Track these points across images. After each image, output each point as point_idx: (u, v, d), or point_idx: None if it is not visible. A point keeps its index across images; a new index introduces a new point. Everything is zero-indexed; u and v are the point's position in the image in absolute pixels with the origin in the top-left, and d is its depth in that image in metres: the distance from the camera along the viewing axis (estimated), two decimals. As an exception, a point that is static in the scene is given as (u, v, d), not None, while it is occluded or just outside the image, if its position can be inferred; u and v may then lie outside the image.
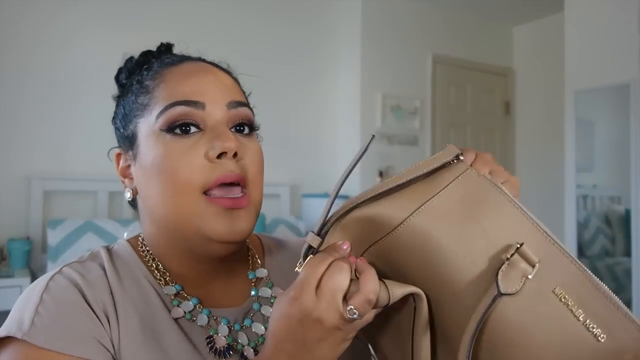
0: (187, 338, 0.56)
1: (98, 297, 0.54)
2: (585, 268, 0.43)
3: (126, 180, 0.63)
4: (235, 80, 0.65)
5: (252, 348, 0.58)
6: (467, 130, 3.95)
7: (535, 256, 0.43)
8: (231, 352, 0.57)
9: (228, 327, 0.59)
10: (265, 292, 0.64)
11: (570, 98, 3.03)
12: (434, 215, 0.47)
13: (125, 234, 0.68)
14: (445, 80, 3.82)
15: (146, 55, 0.67)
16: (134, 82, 0.62)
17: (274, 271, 0.68)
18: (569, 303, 0.42)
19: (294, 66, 3.35)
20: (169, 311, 0.57)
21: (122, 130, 0.63)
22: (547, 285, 0.43)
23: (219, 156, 0.55)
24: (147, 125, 0.58)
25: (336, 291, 0.44)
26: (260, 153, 0.61)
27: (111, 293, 0.56)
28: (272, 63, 3.20)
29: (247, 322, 0.60)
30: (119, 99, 0.65)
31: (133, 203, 0.65)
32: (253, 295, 0.63)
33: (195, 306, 0.59)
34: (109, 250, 0.62)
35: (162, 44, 0.68)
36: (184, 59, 0.63)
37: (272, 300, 0.63)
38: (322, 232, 0.49)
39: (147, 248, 0.63)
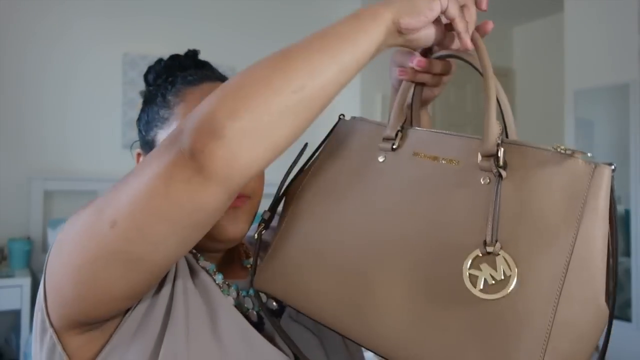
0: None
1: None
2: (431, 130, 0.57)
3: None
4: None
5: (256, 312, 0.65)
6: (467, 130, 3.96)
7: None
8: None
9: (238, 293, 0.66)
10: None
11: (570, 98, 3.03)
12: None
13: None
14: (445, 80, 3.82)
15: (174, 59, 0.73)
16: (159, 94, 0.69)
17: None
18: (431, 158, 0.55)
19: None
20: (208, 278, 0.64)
21: (144, 134, 0.70)
22: (405, 154, 0.57)
23: None
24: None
25: None
26: None
27: None
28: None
29: (251, 292, 0.67)
30: (144, 104, 0.72)
31: None
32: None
33: (223, 281, 0.66)
34: None
35: (189, 51, 0.74)
36: (205, 78, 0.69)
37: None
38: (274, 208, 0.63)
39: None
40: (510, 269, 0.45)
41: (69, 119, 2.69)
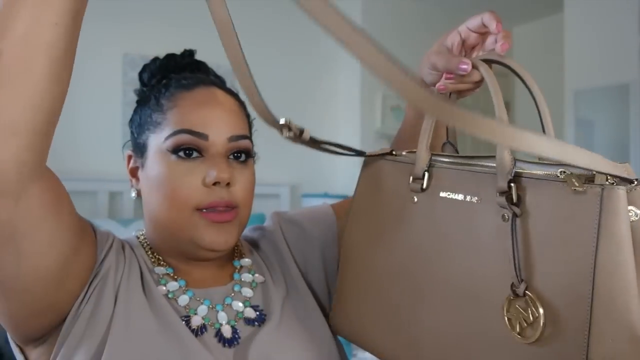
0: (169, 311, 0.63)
1: (125, 257, 0.67)
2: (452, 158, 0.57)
3: (133, 180, 0.71)
4: (242, 103, 0.72)
5: (231, 327, 0.65)
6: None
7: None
8: (204, 330, 0.63)
9: (209, 307, 0.65)
10: (247, 277, 0.72)
11: (570, 98, 3.03)
12: None
13: (134, 233, 0.76)
14: (445, 80, 3.81)
15: (169, 59, 0.74)
16: (152, 97, 0.69)
17: (257, 263, 0.76)
18: (456, 196, 0.54)
19: (294, 66, 3.35)
20: (157, 286, 0.66)
21: (135, 137, 0.70)
22: (434, 194, 0.57)
23: (214, 184, 0.63)
24: (157, 142, 0.66)
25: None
26: (251, 179, 0.69)
27: (125, 259, 0.67)
28: (271, 63, 3.20)
29: (227, 300, 0.67)
30: (138, 105, 0.72)
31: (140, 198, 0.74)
32: (236, 279, 0.71)
33: (180, 287, 0.66)
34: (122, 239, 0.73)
35: (185, 51, 0.76)
36: (199, 82, 0.69)
37: (253, 285, 0.71)
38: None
39: (147, 242, 0.72)
40: (536, 310, 0.44)
41: (69, 119, 2.68)
